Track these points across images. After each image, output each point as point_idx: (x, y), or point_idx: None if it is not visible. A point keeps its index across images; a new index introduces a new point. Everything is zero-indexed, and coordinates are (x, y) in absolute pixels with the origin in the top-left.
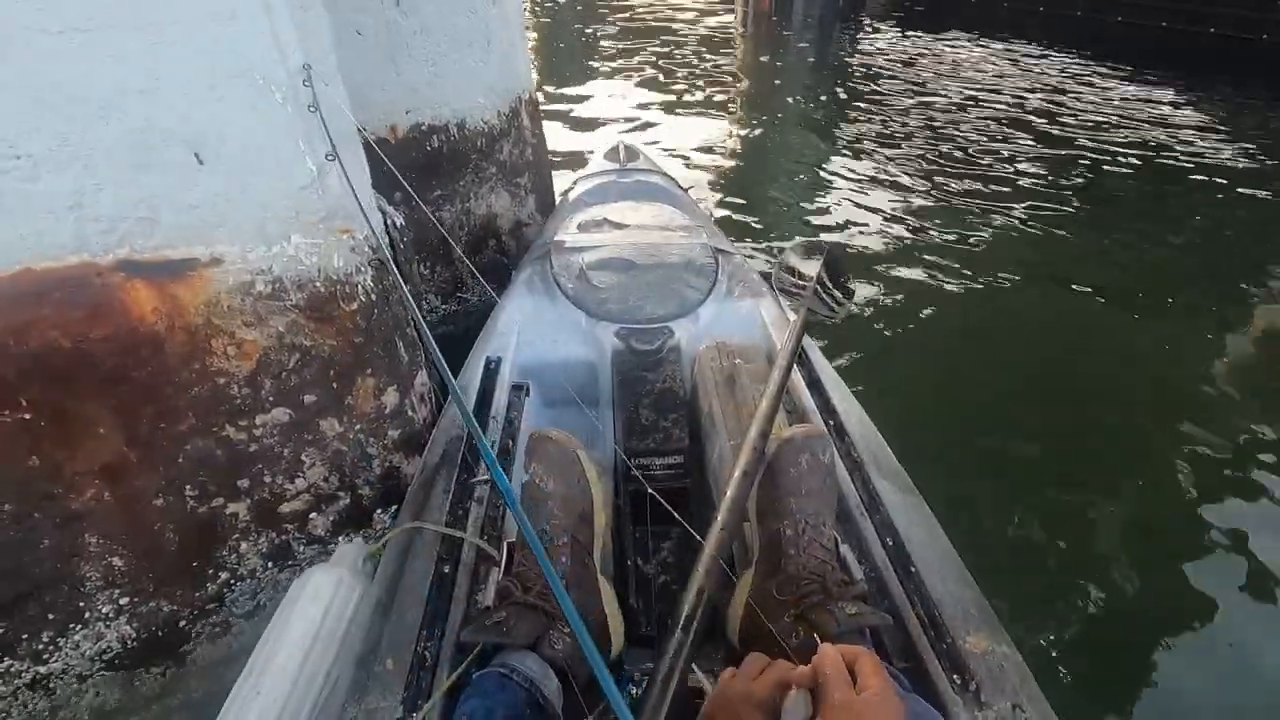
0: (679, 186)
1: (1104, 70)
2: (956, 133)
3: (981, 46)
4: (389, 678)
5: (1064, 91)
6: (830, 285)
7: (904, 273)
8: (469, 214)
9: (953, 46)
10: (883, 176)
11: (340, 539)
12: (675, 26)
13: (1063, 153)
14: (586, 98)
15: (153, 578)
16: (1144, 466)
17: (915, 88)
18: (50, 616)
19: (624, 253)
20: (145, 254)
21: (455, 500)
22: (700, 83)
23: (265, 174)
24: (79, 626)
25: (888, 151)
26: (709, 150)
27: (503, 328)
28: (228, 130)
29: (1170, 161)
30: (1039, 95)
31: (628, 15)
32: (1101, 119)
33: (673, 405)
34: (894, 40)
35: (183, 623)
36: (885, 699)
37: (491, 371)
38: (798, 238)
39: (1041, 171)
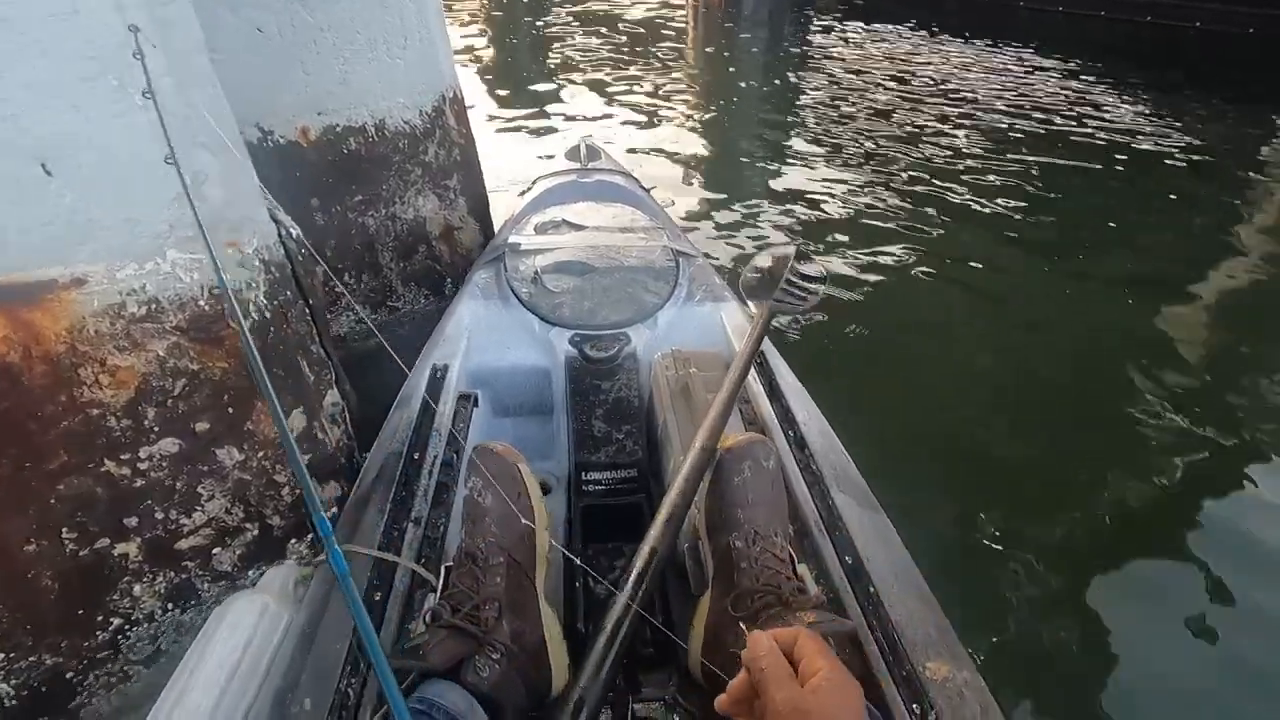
0: (641, 187)
1: (1068, 65)
2: (908, 123)
3: (927, 37)
4: (309, 714)
5: (1017, 80)
6: (798, 277)
7: (863, 267)
8: (395, 219)
9: (900, 37)
10: (837, 167)
11: (250, 573)
12: (626, 21)
13: (1013, 137)
14: (540, 94)
15: (30, 630)
16: (1113, 469)
17: (863, 77)
18: None
19: (581, 255)
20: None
21: (391, 521)
22: (654, 77)
23: (129, 185)
24: None
25: (841, 142)
26: (667, 147)
27: (451, 333)
28: (80, 139)
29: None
30: (987, 85)
31: (578, 9)
32: (1054, 110)
33: (627, 416)
34: (841, 32)
35: (71, 675)
36: (836, 684)
37: (438, 380)
38: (766, 244)
39: (989, 155)
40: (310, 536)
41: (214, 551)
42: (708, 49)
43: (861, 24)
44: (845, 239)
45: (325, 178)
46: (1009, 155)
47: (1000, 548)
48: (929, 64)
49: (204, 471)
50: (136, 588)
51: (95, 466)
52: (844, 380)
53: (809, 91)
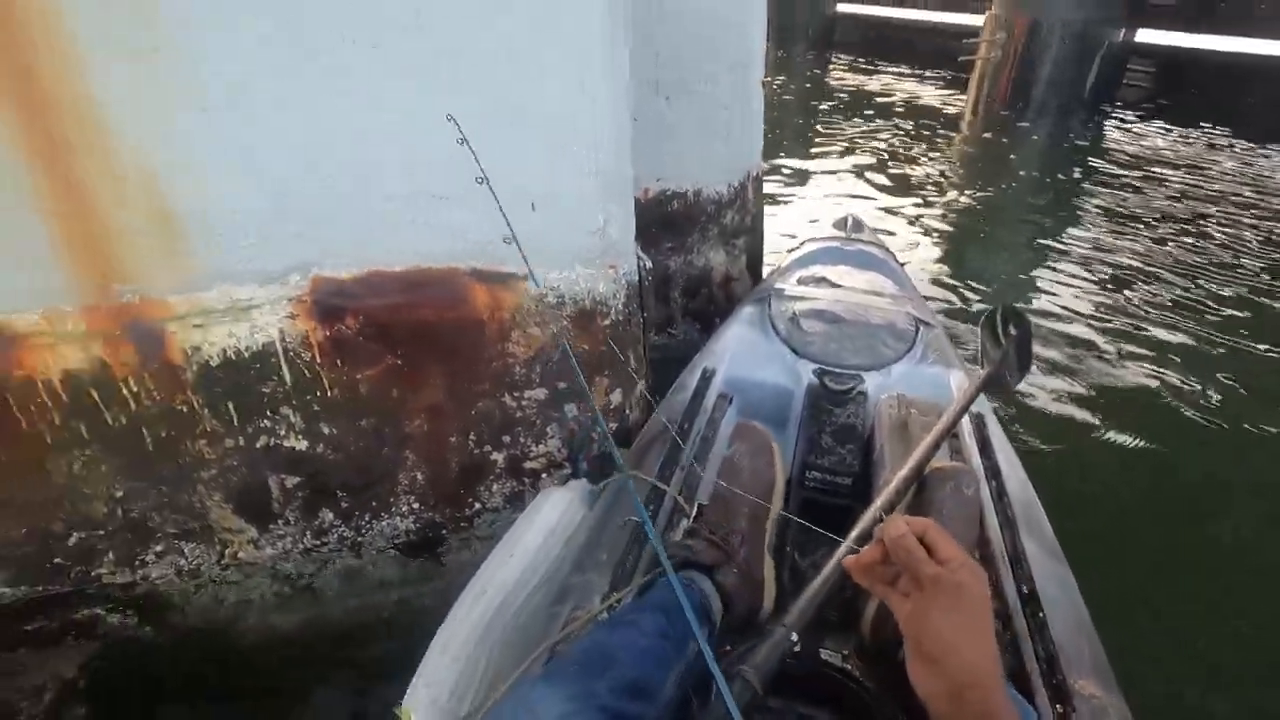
0: (896, 260)
1: None
2: (1201, 236)
3: (1237, 146)
4: (590, 584)
5: None
6: (1017, 353)
7: (1107, 373)
8: (690, 264)
9: (1209, 146)
10: (1107, 270)
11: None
12: (901, 108)
13: None
14: (812, 167)
15: (435, 494)
16: None
17: (1155, 182)
18: (374, 503)
19: (834, 307)
20: (488, 266)
21: (664, 465)
22: (922, 160)
23: (570, 220)
24: (386, 515)
25: (1119, 244)
26: (926, 225)
27: (718, 349)
28: (555, 188)
29: None
30: None
31: (857, 96)
32: None
33: (850, 438)
34: (1137, 130)
35: (444, 532)
36: (973, 568)
37: (706, 379)
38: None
39: None
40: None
41: (543, 476)
42: (985, 134)
43: (1163, 124)
44: (1107, 350)
45: (651, 227)
46: None
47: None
48: (1238, 177)
49: (554, 417)
50: (495, 486)
51: (500, 396)
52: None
53: (1090, 189)
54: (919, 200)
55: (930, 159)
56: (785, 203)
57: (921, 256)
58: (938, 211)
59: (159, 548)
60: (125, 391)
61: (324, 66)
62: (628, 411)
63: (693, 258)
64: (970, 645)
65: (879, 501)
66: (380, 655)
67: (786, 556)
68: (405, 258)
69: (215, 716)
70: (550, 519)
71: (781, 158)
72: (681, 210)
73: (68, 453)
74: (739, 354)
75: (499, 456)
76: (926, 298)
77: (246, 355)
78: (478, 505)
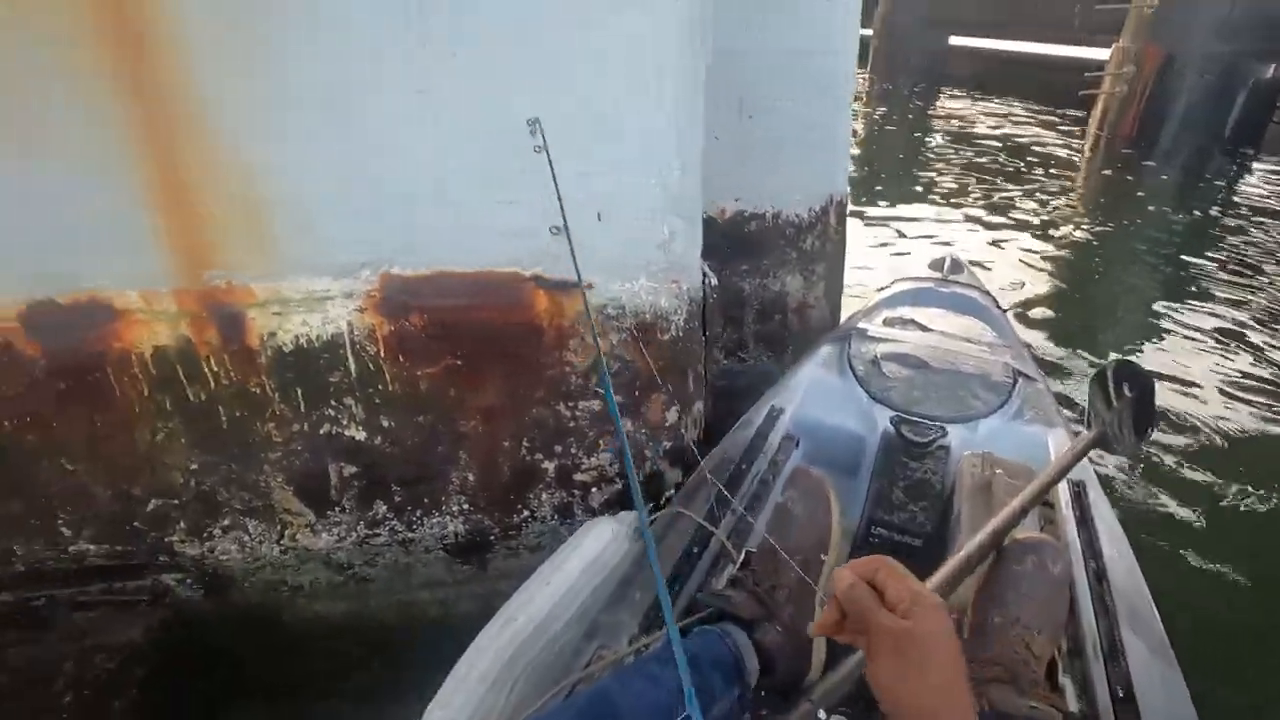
0: (998, 306)
1: None
2: None
3: None
4: (620, 624)
5: None
6: (1132, 414)
7: (1239, 441)
8: (764, 288)
9: None
10: (1241, 331)
11: (606, 513)
12: (1011, 144)
13: None
14: (913, 203)
15: (485, 496)
16: None
17: None
18: (425, 500)
19: (920, 352)
20: (550, 274)
21: (715, 506)
22: (1032, 201)
23: (636, 233)
24: (436, 513)
25: (1254, 308)
26: (1035, 268)
27: (791, 386)
28: (623, 201)
29: None
30: None
31: (964, 130)
32: None
33: (925, 495)
34: None
35: (492, 537)
36: (928, 606)
37: (772, 417)
38: (1113, 355)
39: None
40: (651, 505)
41: (591, 489)
42: (1104, 172)
43: None
44: (1238, 415)
45: (725, 247)
46: None
47: None
48: None
49: (607, 430)
50: (544, 495)
51: (555, 404)
52: (1183, 551)
53: (1223, 236)
54: (1027, 241)
55: (1042, 198)
56: (877, 236)
57: (1028, 303)
58: (1049, 254)
59: (226, 522)
60: (206, 370)
61: (408, 72)
62: (683, 431)
63: (767, 281)
64: (920, 695)
65: (947, 568)
66: (419, 656)
67: None
68: (472, 260)
69: (260, 697)
70: (593, 550)
71: (878, 189)
72: (759, 232)
73: (151, 423)
74: (811, 394)
75: (550, 465)
76: (1031, 348)
77: (317, 344)
78: (526, 513)
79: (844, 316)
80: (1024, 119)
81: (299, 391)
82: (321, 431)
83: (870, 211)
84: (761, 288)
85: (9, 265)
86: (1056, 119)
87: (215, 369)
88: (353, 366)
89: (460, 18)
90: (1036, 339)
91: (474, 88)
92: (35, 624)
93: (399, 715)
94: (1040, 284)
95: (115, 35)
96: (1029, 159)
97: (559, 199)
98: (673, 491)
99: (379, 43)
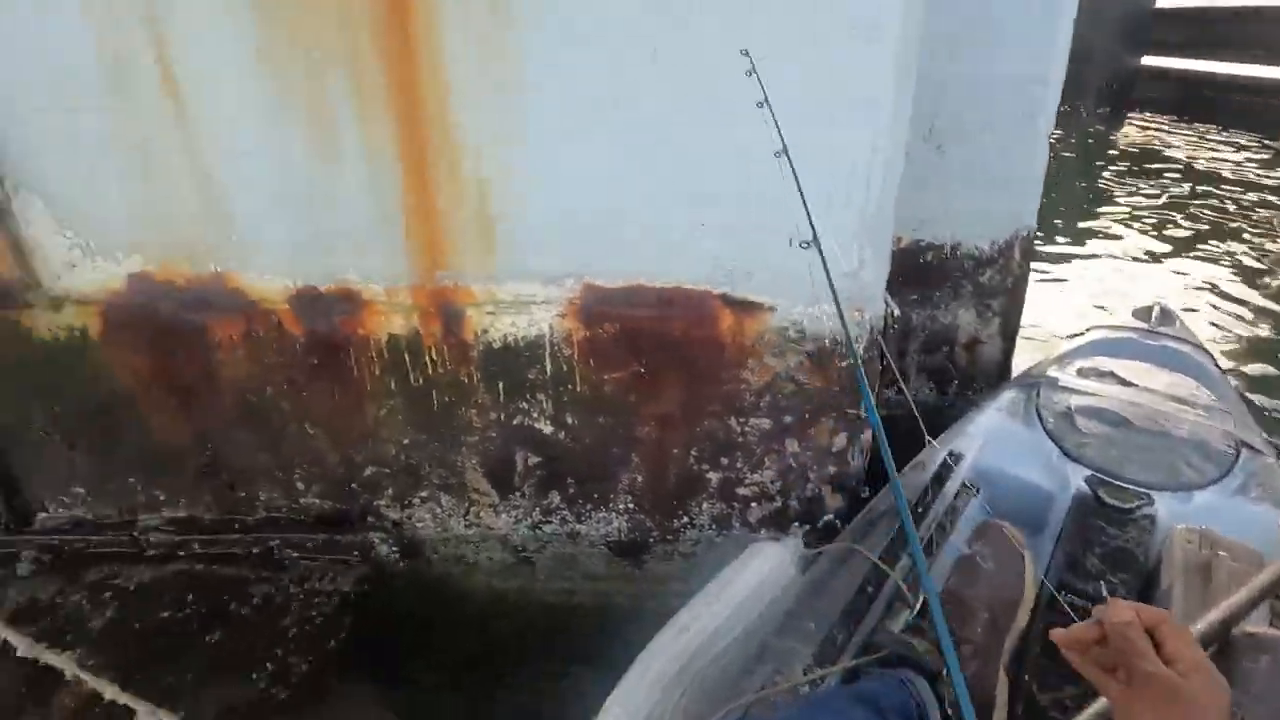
0: (1215, 365)
1: None
2: None
3: None
4: (793, 651)
5: None
6: None
7: None
8: (933, 319)
9: None
10: None
11: (762, 530)
12: (1216, 175)
13: None
14: (1099, 239)
15: (650, 500)
16: None
17: None
18: (595, 495)
19: (1121, 409)
20: (738, 294)
21: (889, 546)
22: (1244, 245)
23: (827, 260)
24: (604, 509)
25: None
26: (1252, 326)
27: (971, 431)
28: (819, 227)
29: None
30: None
31: (1157, 158)
32: None
33: (1125, 567)
34: None
35: (651, 538)
36: (1210, 678)
37: (950, 462)
38: None
39: None
40: (806, 527)
41: (751, 504)
42: None
43: None
44: None
45: (898, 277)
46: None
47: None
48: None
49: (773, 449)
50: (705, 504)
51: (725, 418)
52: None
53: None
54: (1240, 289)
55: (1253, 238)
56: (1056, 273)
57: (1246, 360)
58: (1268, 306)
59: (424, 494)
60: (427, 359)
61: (633, 102)
62: (850, 459)
63: (938, 313)
64: None
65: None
66: (576, 640)
67: (1023, 684)
68: (666, 275)
69: (445, 663)
70: (760, 573)
71: (1056, 223)
72: (935, 263)
73: (379, 400)
74: (994, 442)
75: (714, 476)
76: (1256, 414)
77: (521, 344)
78: (685, 519)
79: (1015, 356)
80: (1227, 148)
81: (500, 384)
82: (515, 422)
83: (1048, 248)
84: (930, 319)
85: (290, 256)
86: (1269, 150)
87: (434, 358)
88: (549, 366)
89: (690, 50)
90: (1261, 404)
91: (696, 116)
92: (272, 565)
93: (561, 695)
94: (1260, 340)
95: (395, 58)
96: (1235, 192)
97: (809, 217)
98: (830, 516)
99: (609, 76)
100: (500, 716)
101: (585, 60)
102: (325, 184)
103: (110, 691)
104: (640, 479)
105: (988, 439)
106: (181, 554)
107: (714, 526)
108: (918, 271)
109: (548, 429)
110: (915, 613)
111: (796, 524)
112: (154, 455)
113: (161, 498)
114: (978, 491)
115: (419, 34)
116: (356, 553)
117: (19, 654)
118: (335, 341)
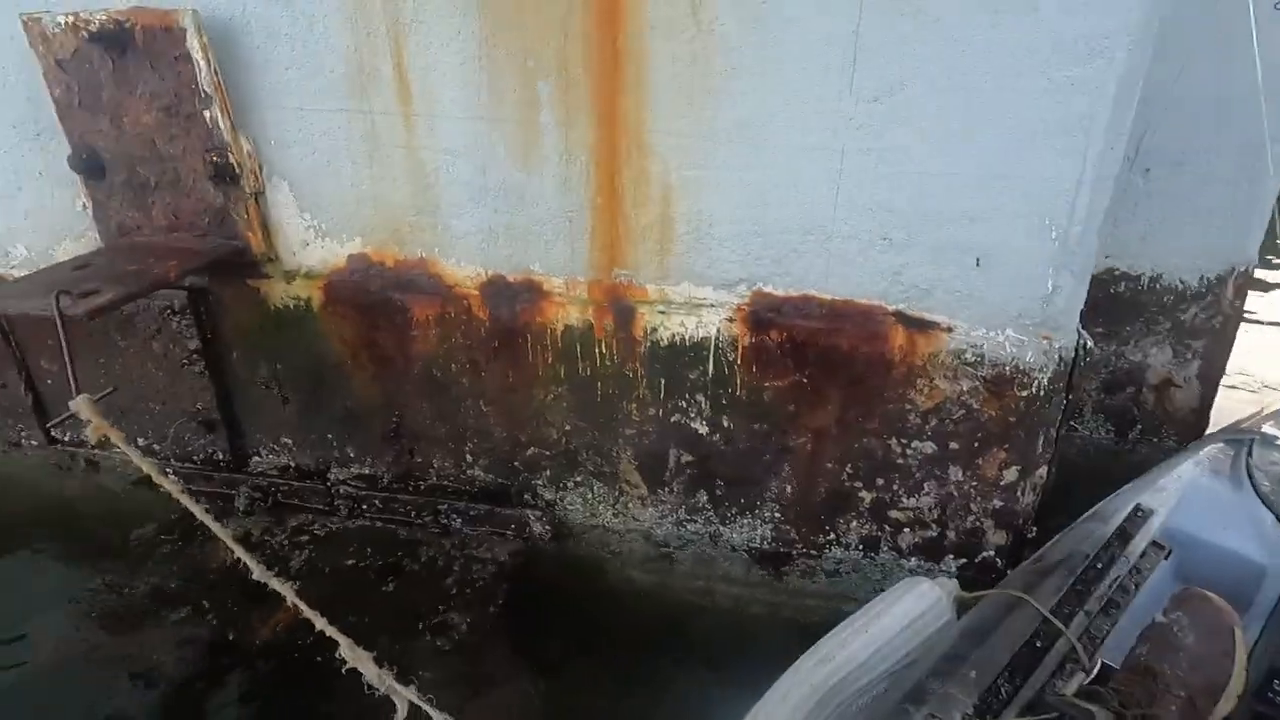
0: None
1: None
2: None
3: None
4: (952, 698)
5: None
6: None
7: None
8: (1120, 355)
9: None
10: None
11: (912, 559)
12: None
13: None
14: None
15: (797, 511)
16: None
17: None
18: (742, 500)
19: None
20: (913, 311)
21: (1063, 600)
22: None
23: (1016, 285)
24: (749, 516)
25: None
26: None
27: (1164, 484)
28: (1006, 249)
29: None
30: None
31: None
32: None
33: None
34: None
35: (793, 551)
36: None
37: (1138, 517)
38: None
39: None
40: (961, 561)
41: (904, 529)
42: None
43: None
44: None
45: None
46: None
47: None
48: None
49: (934, 474)
50: (854, 523)
51: (885, 438)
52: None
53: None
54: None
55: None
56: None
57: None
58: None
59: (578, 479)
60: (596, 351)
61: (820, 115)
62: (1020, 495)
63: (1125, 349)
64: None
65: None
66: (707, 643)
67: None
68: (838, 288)
69: (591, 645)
70: (912, 610)
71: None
72: (1127, 294)
73: (548, 386)
74: (1193, 501)
75: (866, 496)
76: None
77: (687, 344)
78: (832, 535)
79: (1216, 405)
80: None
81: (662, 381)
82: (671, 420)
83: (1266, 286)
84: (1116, 355)
85: (484, 247)
86: None
87: (603, 351)
88: (710, 368)
89: (887, 68)
90: None
91: (885, 135)
92: (439, 528)
93: (684, 696)
94: None
95: (599, 68)
96: None
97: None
98: (990, 553)
99: (798, 88)
100: (622, 704)
101: (780, 76)
102: (522, 182)
103: (320, 622)
104: (790, 489)
105: (1185, 496)
106: (364, 508)
107: (861, 547)
108: (1106, 302)
109: (703, 429)
110: (1091, 678)
111: (951, 555)
112: (350, 416)
113: (351, 454)
114: (1169, 554)
115: (626, 47)
116: (513, 527)
117: (253, 576)
118: (515, 328)
